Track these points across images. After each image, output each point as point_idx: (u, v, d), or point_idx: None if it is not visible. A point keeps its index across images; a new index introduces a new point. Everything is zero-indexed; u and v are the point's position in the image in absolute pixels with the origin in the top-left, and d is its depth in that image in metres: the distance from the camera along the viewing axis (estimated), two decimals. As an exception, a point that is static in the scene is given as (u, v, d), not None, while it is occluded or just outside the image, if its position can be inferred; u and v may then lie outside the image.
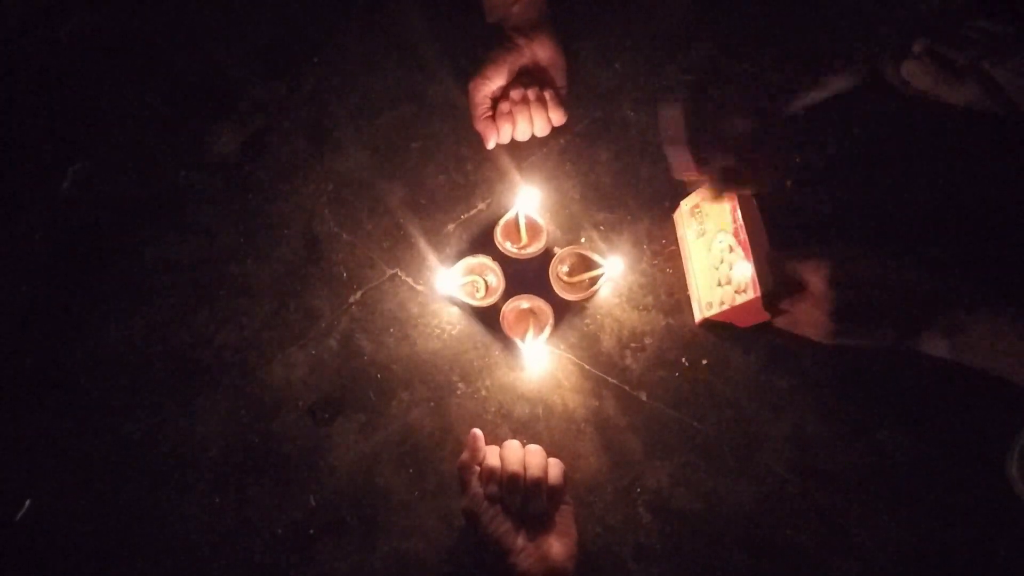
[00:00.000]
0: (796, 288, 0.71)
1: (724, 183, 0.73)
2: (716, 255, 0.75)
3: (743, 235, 0.69)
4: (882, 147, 0.88)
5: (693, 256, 0.81)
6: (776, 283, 0.70)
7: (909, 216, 0.85)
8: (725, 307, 0.73)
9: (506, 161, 0.88)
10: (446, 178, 0.89)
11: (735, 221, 0.71)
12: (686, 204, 0.82)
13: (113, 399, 0.81)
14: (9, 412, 0.80)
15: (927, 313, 0.68)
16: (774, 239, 0.70)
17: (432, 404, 0.81)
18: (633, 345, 0.82)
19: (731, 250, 0.72)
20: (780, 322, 0.75)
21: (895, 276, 0.69)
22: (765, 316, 0.72)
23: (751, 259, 0.69)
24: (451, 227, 0.87)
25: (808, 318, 0.70)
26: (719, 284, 0.74)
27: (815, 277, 0.69)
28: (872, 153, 0.88)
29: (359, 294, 0.85)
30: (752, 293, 0.69)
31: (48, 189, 0.88)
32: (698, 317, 0.81)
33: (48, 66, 0.93)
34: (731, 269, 0.72)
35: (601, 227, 0.87)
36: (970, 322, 0.66)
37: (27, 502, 0.77)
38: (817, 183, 0.86)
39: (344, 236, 0.87)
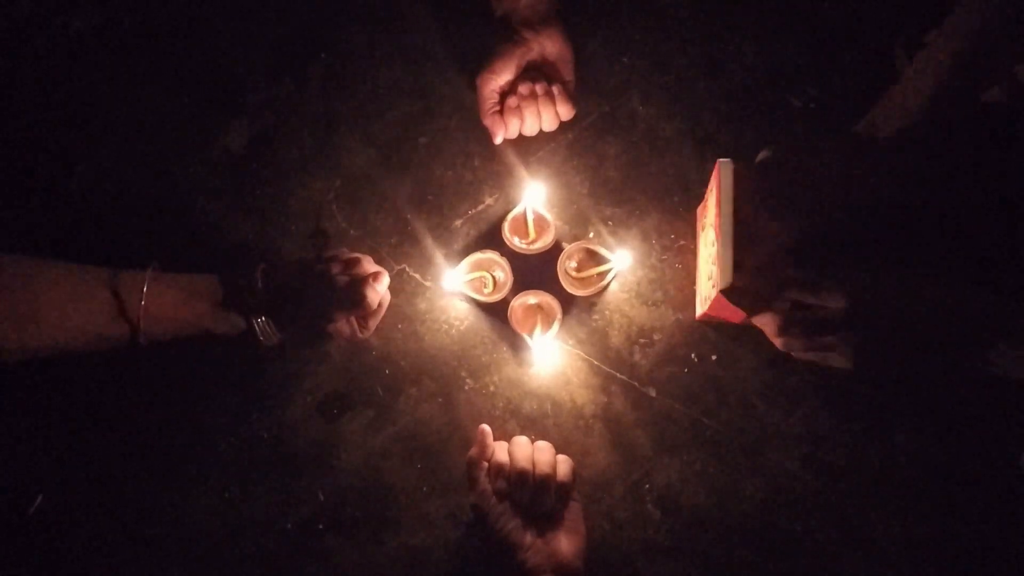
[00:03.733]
0: (824, 322, 0.66)
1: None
2: (709, 249, 0.74)
3: (718, 227, 0.68)
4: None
5: (701, 250, 0.80)
6: (747, 281, 0.67)
7: (925, 217, 0.83)
8: (709, 301, 0.72)
9: (514, 156, 0.88)
10: (454, 173, 0.89)
11: (717, 214, 0.69)
12: (708, 195, 0.81)
13: (122, 394, 0.81)
14: (19, 407, 0.81)
15: (963, 342, 0.65)
16: (793, 246, 0.69)
17: (440, 400, 0.81)
18: (642, 341, 0.82)
19: (713, 244, 0.71)
20: (806, 356, 0.70)
21: (932, 306, 0.65)
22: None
23: (719, 252, 0.67)
24: (459, 223, 0.87)
25: (838, 350, 0.67)
26: (709, 278, 0.73)
27: (843, 306, 0.66)
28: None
29: (367, 290, 0.85)
30: (719, 287, 0.68)
31: (56, 185, 0.88)
32: (698, 312, 0.80)
33: (57, 63, 0.93)
34: (713, 263, 0.71)
35: (609, 222, 0.86)
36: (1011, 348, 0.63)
37: (39, 497, 0.78)
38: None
39: (352, 232, 0.87)
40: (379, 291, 0.75)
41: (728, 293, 0.67)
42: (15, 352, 0.65)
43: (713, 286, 0.70)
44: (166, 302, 0.70)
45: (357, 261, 0.77)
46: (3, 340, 0.64)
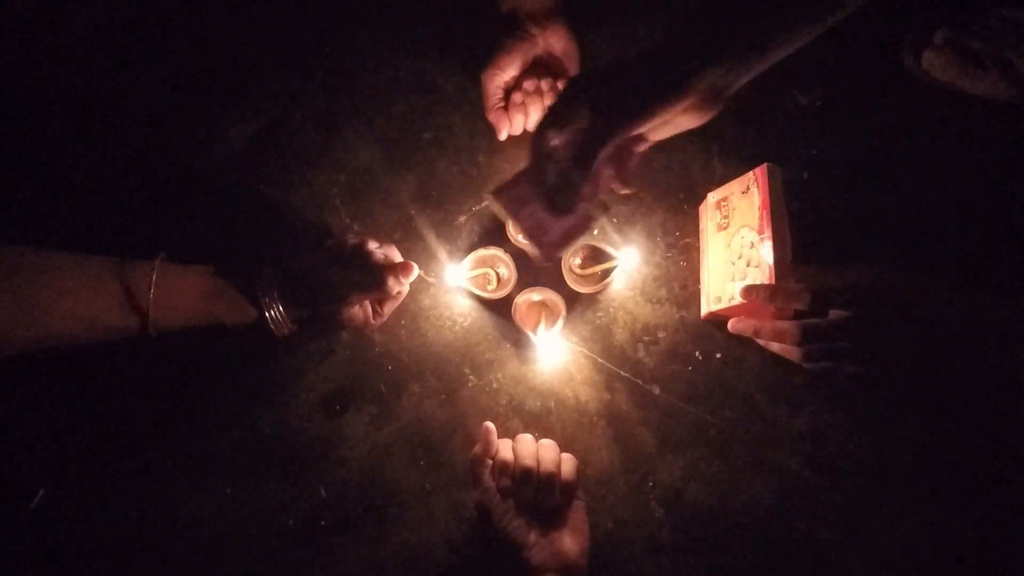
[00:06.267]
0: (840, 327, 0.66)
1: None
2: (735, 250, 0.74)
3: (767, 232, 0.69)
4: (903, 140, 0.86)
5: (710, 249, 0.80)
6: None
7: (935, 213, 0.83)
8: (735, 303, 0.72)
9: (519, 152, 0.88)
10: (458, 169, 0.88)
11: (763, 218, 0.70)
12: (713, 196, 0.81)
13: (124, 390, 0.81)
14: (22, 402, 0.80)
15: (978, 346, 0.64)
16: (803, 246, 0.69)
17: (443, 396, 0.81)
18: (646, 338, 0.82)
19: (752, 246, 0.71)
20: (820, 367, 0.70)
21: (946, 309, 0.65)
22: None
23: (772, 256, 0.68)
24: (463, 219, 0.87)
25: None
26: (733, 279, 0.74)
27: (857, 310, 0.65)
28: (893, 146, 0.86)
29: (370, 286, 0.84)
30: None
31: (61, 178, 0.88)
32: (704, 311, 0.80)
33: (58, 58, 0.93)
34: (748, 265, 0.71)
35: (614, 219, 0.86)
36: None
37: (40, 491, 0.78)
38: (837, 178, 0.85)
39: (356, 228, 0.86)
40: (401, 280, 0.74)
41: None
42: (24, 342, 0.65)
43: (760, 284, 0.70)
44: (176, 291, 0.69)
45: (382, 245, 0.76)
46: (12, 330, 0.63)
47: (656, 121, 0.59)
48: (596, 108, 0.59)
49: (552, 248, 0.67)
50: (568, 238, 0.68)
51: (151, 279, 0.67)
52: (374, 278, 0.72)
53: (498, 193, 0.68)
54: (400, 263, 0.74)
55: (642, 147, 0.67)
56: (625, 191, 0.68)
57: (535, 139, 0.63)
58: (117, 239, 0.85)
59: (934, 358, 0.65)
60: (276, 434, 0.80)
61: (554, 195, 0.64)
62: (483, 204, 0.87)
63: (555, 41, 0.83)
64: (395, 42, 0.93)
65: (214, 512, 0.78)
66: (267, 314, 0.71)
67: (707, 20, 0.58)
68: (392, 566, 0.76)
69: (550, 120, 0.62)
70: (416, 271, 0.75)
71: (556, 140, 0.63)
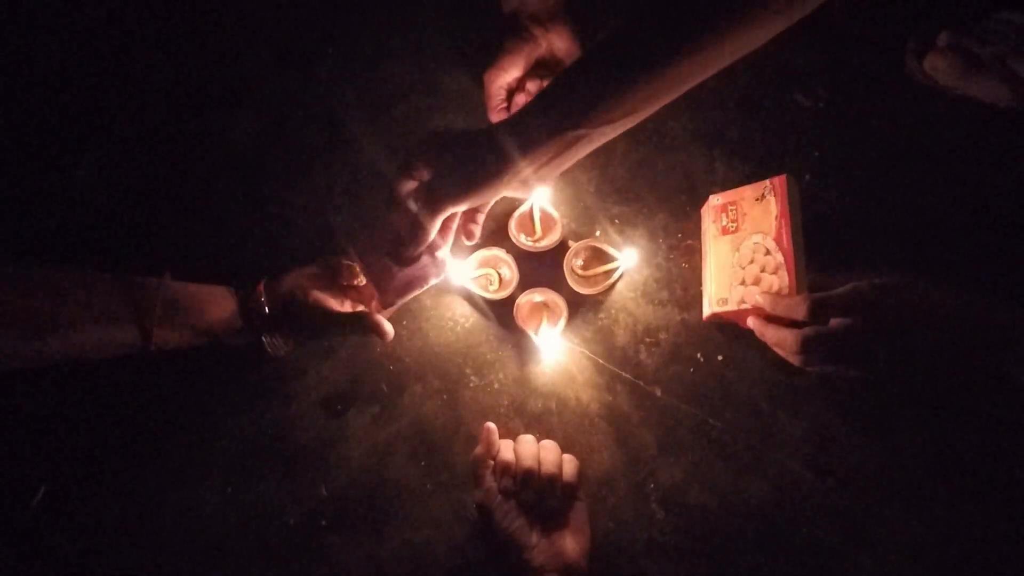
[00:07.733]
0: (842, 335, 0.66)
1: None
2: (745, 254, 0.74)
3: (787, 242, 0.69)
4: (904, 143, 0.86)
5: (712, 251, 0.80)
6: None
7: (936, 217, 0.83)
8: (745, 306, 0.72)
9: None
10: (460, 170, 0.88)
11: (780, 227, 0.70)
12: (717, 199, 0.81)
13: (126, 389, 0.81)
14: (25, 399, 0.80)
15: (981, 350, 0.64)
16: (805, 249, 0.70)
17: (445, 397, 0.81)
18: (648, 340, 0.82)
19: (767, 253, 0.71)
20: (822, 369, 0.70)
21: (949, 314, 0.65)
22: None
23: (791, 266, 0.69)
24: (465, 219, 0.87)
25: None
26: (742, 283, 0.74)
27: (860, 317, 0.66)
28: (894, 149, 0.86)
29: (372, 286, 0.84)
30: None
31: (63, 179, 0.88)
32: (706, 312, 0.80)
33: (61, 57, 0.93)
34: (763, 271, 0.72)
35: (616, 220, 0.86)
36: None
37: (42, 489, 0.78)
38: (839, 181, 0.85)
39: (359, 227, 0.86)
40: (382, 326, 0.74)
41: None
42: (32, 359, 0.64)
43: (760, 295, 0.71)
44: (179, 311, 0.69)
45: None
46: (22, 348, 0.63)
47: (479, 201, 0.62)
48: (431, 178, 0.62)
49: (392, 295, 0.72)
50: (407, 289, 0.73)
51: (158, 299, 0.67)
52: (355, 305, 0.74)
53: (351, 238, 0.73)
54: (375, 305, 0.75)
55: (489, 203, 0.69)
56: (470, 243, 0.72)
57: (393, 185, 0.66)
58: (117, 239, 0.85)
59: (934, 364, 0.65)
60: (277, 433, 0.80)
61: (398, 247, 0.67)
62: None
63: (558, 42, 0.83)
64: (398, 42, 0.93)
65: (215, 511, 0.78)
66: (264, 340, 0.71)
67: (523, 115, 0.61)
68: (393, 566, 0.76)
69: (400, 171, 0.65)
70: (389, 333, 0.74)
71: (410, 188, 0.65)
